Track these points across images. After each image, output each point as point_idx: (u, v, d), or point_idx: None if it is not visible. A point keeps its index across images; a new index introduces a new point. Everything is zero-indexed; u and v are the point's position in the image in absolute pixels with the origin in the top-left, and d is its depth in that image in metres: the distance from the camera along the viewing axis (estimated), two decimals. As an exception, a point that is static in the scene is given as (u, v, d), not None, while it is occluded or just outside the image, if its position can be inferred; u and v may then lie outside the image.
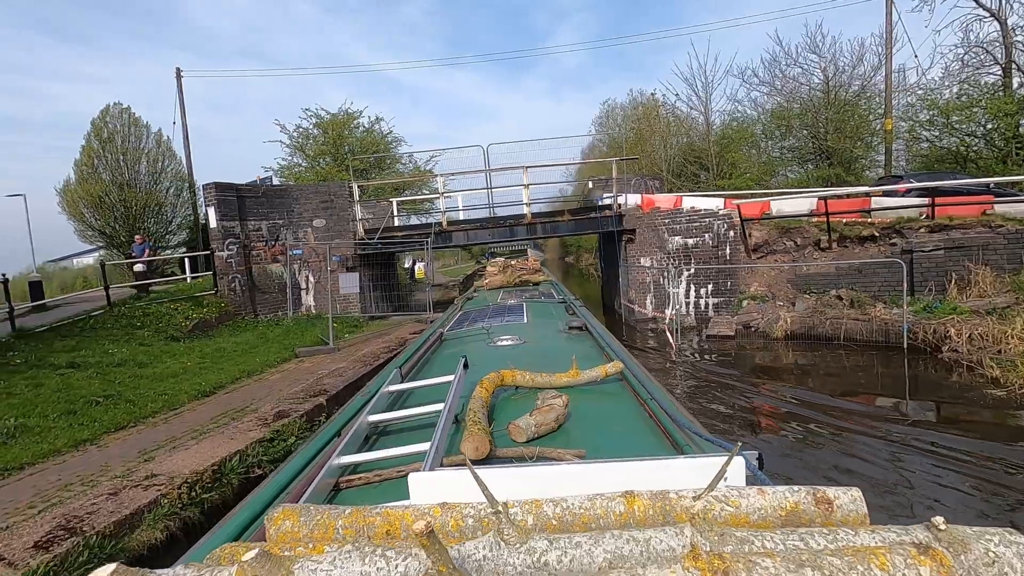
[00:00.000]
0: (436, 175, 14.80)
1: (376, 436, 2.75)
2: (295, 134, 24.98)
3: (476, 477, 1.16)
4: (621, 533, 1.06)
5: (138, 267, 13.91)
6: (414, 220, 21.18)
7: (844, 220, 12.80)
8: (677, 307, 11.06)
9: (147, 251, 14.24)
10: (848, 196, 13.88)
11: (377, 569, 1.00)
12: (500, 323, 5.78)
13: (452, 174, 14.97)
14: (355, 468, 2.29)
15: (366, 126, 26.12)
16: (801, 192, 14.96)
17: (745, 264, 13.34)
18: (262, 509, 2.01)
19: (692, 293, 13.92)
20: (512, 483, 1.52)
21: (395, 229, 15.43)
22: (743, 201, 13.47)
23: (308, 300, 14.99)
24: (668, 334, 11.07)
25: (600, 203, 15.23)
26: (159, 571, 1.07)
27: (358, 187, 15.16)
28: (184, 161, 26.34)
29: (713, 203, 14.32)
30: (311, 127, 25.07)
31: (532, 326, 5.54)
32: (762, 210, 14.14)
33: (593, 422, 2.61)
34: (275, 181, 22.08)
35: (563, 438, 2.38)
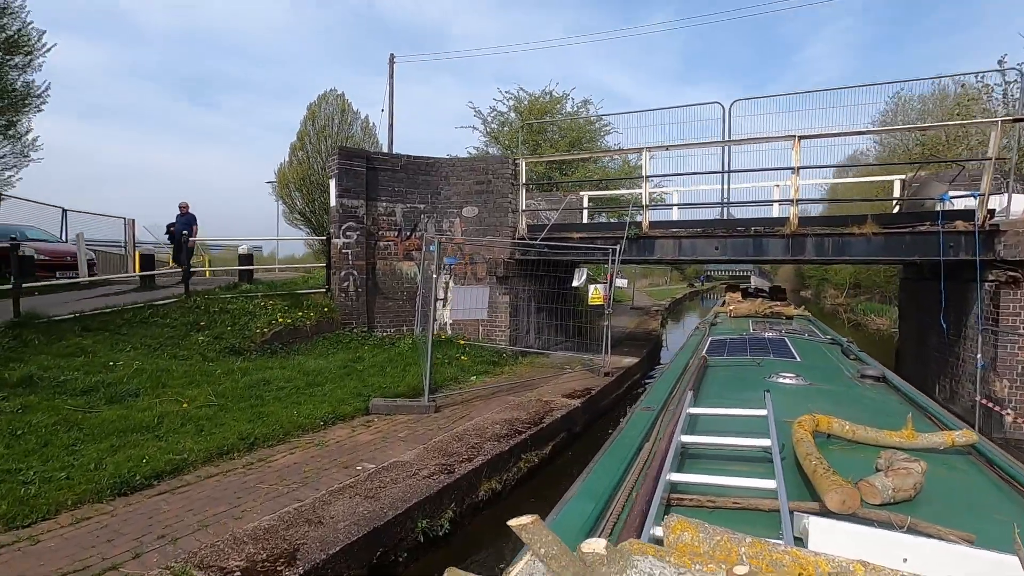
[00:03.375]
0: (638, 149, 9.49)
1: (681, 458, 2.63)
2: (490, 118, 21.91)
3: None
4: None
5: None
6: (604, 220, 16.15)
7: None
8: None
9: (194, 227, 11.60)
10: None
11: None
12: (767, 357, 5.32)
13: (667, 146, 9.44)
14: (674, 487, 2.24)
15: (571, 110, 21.93)
16: None
17: None
18: (603, 506, 2.23)
19: None
20: (891, 551, 1.43)
21: (569, 228, 10.55)
22: None
23: (445, 315, 11.00)
24: None
25: (943, 205, 8.19)
26: (636, 560, 1.17)
27: (525, 164, 10.67)
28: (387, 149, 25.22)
29: None
30: (507, 111, 21.76)
31: (810, 367, 4.96)
32: None
33: (958, 500, 2.25)
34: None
35: (925, 510, 2.01)
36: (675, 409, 3.23)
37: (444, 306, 11.09)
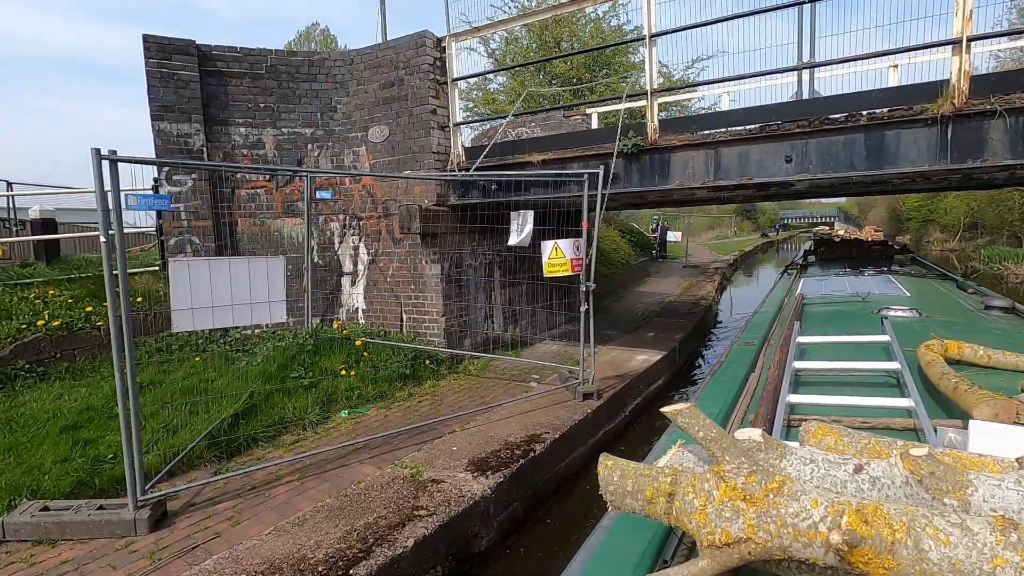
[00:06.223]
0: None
1: (794, 384, 2.56)
2: (491, 35, 17.36)
3: None
4: None
5: None
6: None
7: None
8: None
9: None
10: None
11: None
12: (875, 294, 4.85)
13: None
14: (792, 409, 2.20)
15: (593, 17, 17.06)
16: None
17: None
18: (725, 417, 2.32)
19: None
20: None
21: (524, 147, 6.30)
22: None
23: (355, 298, 7.23)
24: None
25: None
26: (793, 448, 1.21)
27: (457, 44, 6.48)
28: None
29: None
30: (515, 26, 17.10)
31: (924, 301, 4.53)
32: None
33: None
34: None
35: None
36: (778, 342, 3.17)
37: (353, 283, 7.29)
